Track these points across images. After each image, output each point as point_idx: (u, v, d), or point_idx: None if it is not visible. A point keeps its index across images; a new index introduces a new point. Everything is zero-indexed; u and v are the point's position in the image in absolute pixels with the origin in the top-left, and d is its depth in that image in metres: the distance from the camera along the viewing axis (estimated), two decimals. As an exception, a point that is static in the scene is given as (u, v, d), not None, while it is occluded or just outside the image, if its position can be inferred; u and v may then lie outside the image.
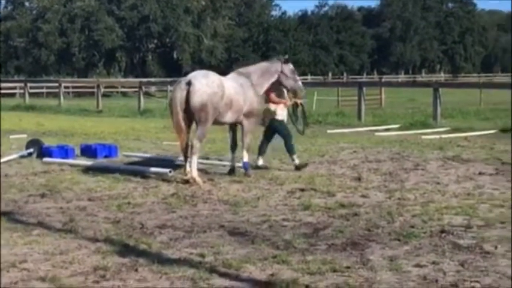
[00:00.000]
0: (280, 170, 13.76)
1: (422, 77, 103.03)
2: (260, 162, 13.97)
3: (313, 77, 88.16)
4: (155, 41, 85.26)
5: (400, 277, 6.79)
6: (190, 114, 12.40)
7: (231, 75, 13.51)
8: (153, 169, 13.24)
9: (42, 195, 11.17)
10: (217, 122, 12.87)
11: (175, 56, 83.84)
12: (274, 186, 11.98)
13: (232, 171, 13.22)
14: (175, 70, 76.94)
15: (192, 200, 10.78)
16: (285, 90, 13.85)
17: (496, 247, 7.81)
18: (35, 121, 26.61)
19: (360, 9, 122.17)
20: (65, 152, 15.41)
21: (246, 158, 13.14)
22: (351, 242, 8.12)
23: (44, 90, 57.76)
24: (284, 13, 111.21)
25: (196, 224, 9.13)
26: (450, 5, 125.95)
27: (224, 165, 13.98)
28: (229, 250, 7.78)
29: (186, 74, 14.53)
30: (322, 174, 13.20)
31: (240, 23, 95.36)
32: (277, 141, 14.24)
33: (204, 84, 12.34)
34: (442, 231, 8.56)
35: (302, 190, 11.53)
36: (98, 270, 7.01)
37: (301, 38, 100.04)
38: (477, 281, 6.63)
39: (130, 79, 69.84)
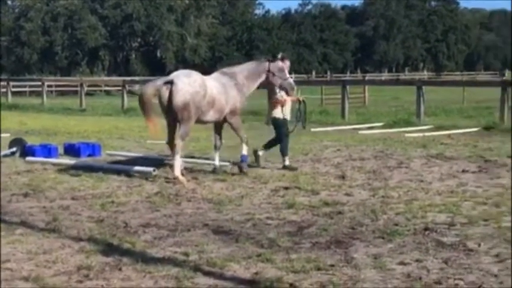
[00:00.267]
0: (264, 168, 13.76)
1: (406, 75, 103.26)
2: (287, 162, 13.88)
3: (296, 75, 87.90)
4: (139, 39, 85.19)
5: (384, 275, 6.80)
6: (174, 114, 12.42)
7: (215, 75, 13.54)
8: (137, 168, 13.21)
9: (25, 195, 11.12)
10: (199, 121, 12.89)
11: (158, 54, 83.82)
12: (258, 185, 11.97)
13: (215, 169, 13.22)
14: (158, 69, 76.84)
15: (176, 199, 10.76)
16: (277, 89, 13.82)
17: (479, 244, 7.84)
18: (18, 120, 26.46)
19: (343, 7, 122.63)
20: (48, 151, 15.35)
21: (245, 151, 13.23)
22: (335, 240, 8.13)
23: (27, 89, 57.53)
24: (268, 12, 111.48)
25: (180, 223, 9.11)
26: (433, 3, 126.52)
27: (208, 164, 13.97)
28: (213, 249, 7.77)
29: (169, 72, 14.58)
30: (306, 173, 13.21)
31: (224, 22, 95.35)
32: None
33: (187, 83, 12.37)
34: (426, 229, 8.58)
35: (286, 188, 11.53)
36: (82, 269, 6.98)
37: (285, 37, 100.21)
38: (461, 279, 6.65)
39: (114, 78, 69.66)
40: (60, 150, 15.95)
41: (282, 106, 13.87)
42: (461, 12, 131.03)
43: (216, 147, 13.44)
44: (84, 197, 10.92)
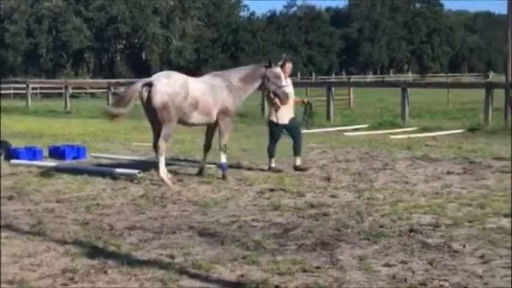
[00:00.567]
0: (249, 170, 13.76)
1: (391, 77, 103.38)
2: (273, 164, 13.92)
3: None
4: (124, 41, 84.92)
5: (369, 276, 6.81)
6: (154, 115, 12.39)
7: (206, 77, 13.55)
8: (122, 170, 13.18)
9: (10, 198, 11.07)
10: (184, 123, 12.84)
11: (144, 56, 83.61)
12: (243, 187, 11.98)
13: (201, 171, 13.20)
14: (144, 71, 76.49)
15: (162, 201, 10.75)
16: (271, 95, 13.80)
17: (464, 246, 7.87)
18: (2, 122, 26.32)
19: (328, 9, 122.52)
20: (32, 153, 15.29)
21: (223, 159, 13.05)
22: (321, 242, 8.14)
23: (12, 91, 57.14)
24: (253, 14, 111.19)
25: (165, 225, 9.10)
26: (418, 5, 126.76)
27: (193, 166, 13.95)
28: (198, 251, 7.77)
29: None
30: (291, 175, 13.22)
31: (209, 24, 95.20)
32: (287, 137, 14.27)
33: (165, 84, 12.35)
34: (411, 231, 8.61)
35: (271, 190, 11.54)
36: (67, 272, 6.96)
37: (270, 39, 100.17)
38: (446, 280, 6.68)
39: (99, 80, 69.32)
40: (45, 152, 15.89)
41: (276, 111, 13.89)
42: (446, 14, 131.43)
43: (205, 150, 13.37)
44: (69, 200, 10.89)
